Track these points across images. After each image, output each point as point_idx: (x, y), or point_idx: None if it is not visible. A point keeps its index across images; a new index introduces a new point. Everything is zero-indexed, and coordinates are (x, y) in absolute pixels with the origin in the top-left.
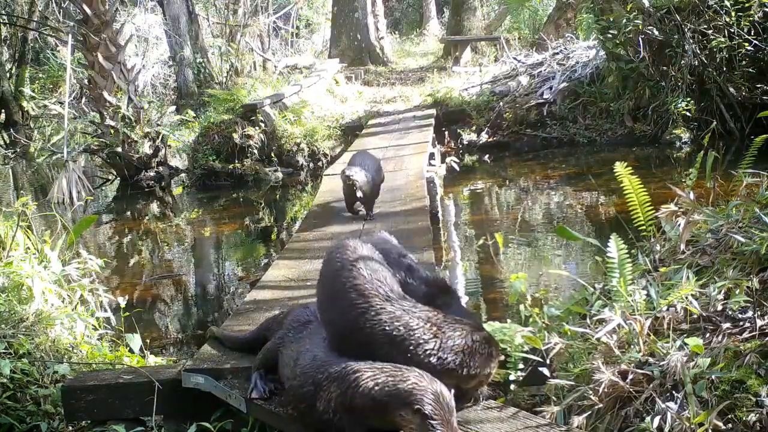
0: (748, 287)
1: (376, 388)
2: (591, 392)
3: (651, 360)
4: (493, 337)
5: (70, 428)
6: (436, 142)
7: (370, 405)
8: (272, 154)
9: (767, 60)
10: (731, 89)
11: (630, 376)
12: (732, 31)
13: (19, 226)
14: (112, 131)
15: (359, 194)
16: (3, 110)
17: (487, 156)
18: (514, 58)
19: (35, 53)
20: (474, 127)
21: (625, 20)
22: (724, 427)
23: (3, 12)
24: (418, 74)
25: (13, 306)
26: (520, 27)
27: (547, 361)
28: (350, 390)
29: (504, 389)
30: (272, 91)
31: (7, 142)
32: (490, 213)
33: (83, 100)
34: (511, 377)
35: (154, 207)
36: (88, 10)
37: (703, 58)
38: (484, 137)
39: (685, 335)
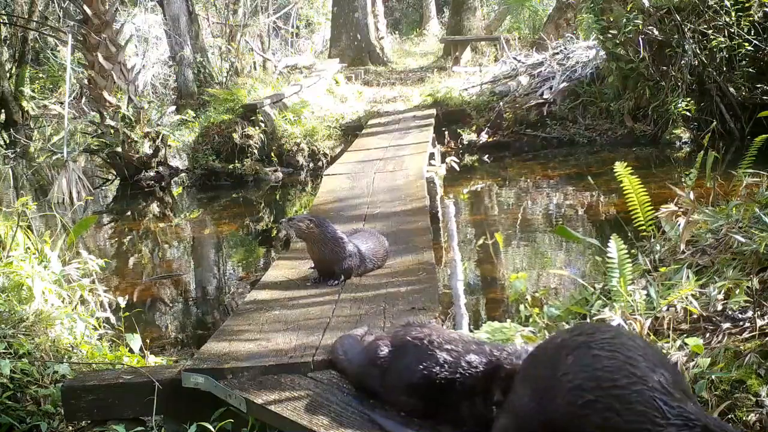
0: (748, 287)
1: None
2: None
3: None
4: None
5: (70, 428)
6: (436, 142)
7: None
8: (272, 154)
9: (767, 60)
10: (731, 89)
11: None
12: (732, 31)
13: (19, 226)
14: (112, 131)
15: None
16: (3, 110)
17: (487, 156)
18: (514, 58)
19: (35, 53)
20: (474, 127)
21: (625, 20)
22: None
23: (3, 12)
24: (418, 74)
25: (13, 306)
26: (520, 27)
27: None
28: None
29: None
30: (272, 91)
31: (7, 142)
32: (490, 213)
33: (83, 100)
34: None
35: (154, 207)
36: (88, 10)
37: (703, 58)
38: (484, 137)
39: (685, 335)
